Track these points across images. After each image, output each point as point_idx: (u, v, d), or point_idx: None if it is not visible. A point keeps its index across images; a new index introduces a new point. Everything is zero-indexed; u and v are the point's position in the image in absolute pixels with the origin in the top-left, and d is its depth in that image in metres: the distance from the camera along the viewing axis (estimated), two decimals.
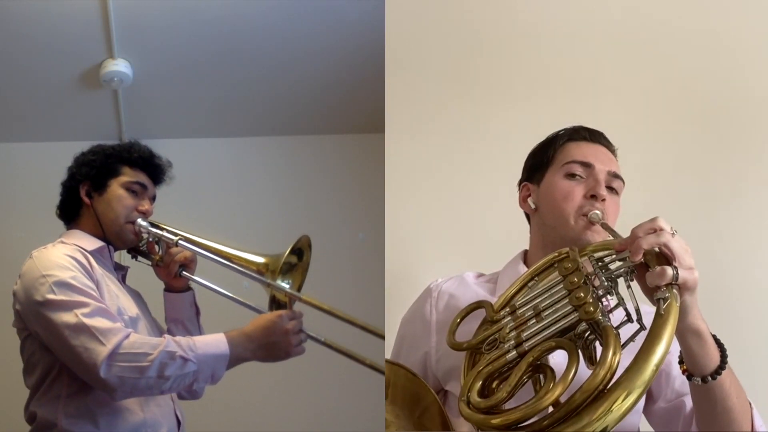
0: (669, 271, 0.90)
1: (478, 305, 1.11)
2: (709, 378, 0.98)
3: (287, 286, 1.40)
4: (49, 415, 1.27)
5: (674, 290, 0.90)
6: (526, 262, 1.32)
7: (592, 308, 0.91)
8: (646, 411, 1.22)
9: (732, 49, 2.06)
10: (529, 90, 2.09)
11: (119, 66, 2.28)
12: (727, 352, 1.00)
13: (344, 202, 2.74)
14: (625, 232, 1.27)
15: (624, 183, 1.29)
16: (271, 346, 1.28)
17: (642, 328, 0.94)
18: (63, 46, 2.20)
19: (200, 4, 2.08)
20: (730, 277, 1.93)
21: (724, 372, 0.98)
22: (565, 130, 1.34)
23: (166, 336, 1.26)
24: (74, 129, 2.59)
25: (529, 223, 1.37)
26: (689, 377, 1.00)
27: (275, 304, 1.39)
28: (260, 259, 1.42)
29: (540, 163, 1.32)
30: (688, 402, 1.14)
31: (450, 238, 2.02)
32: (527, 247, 1.37)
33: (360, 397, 2.43)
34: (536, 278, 1.11)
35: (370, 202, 2.45)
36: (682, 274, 0.91)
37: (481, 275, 1.38)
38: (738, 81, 2.05)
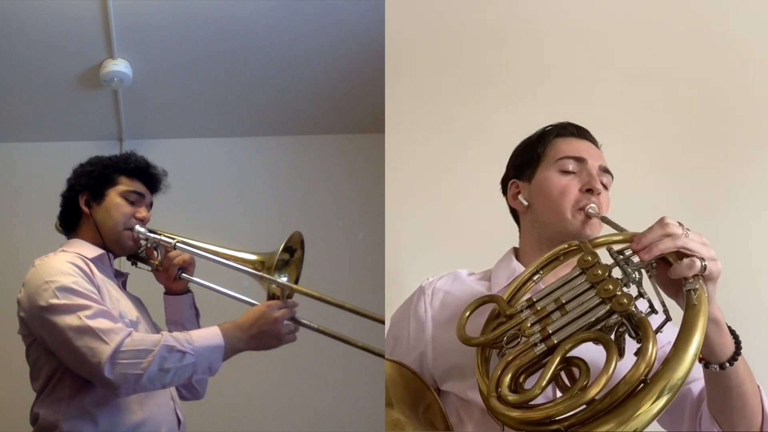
0: (698, 262, 0.93)
1: (490, 299, 1.09)
2: (726, 364, 1.01)
3: (284, 280, 1.46)
4: (50, 417, 1.30)
5: (701, 281, 0.93)
6: (518, 259, 1.32)
7: (625, 300, 0.93)
8: None
9: (729, 51, 2.07)
10: (529, 90, 2.09)
11: (119, 66, 2.28)
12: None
13: (344, 202, 2.74)
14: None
15: (612, 177, 1.30)
16: (262, 335, 1.32)
17: (668, 319, 0.96)
18: (63, 46, 2.21)
19: (200, 4, 2.08)
20: (730, 278, 1.93)
21: (739, 358, 1.01)
22: (552, 126, 1.34)
23: (164, 332, 1.30)
24: (74, 129, 2.59)
25: (516, 220, 1.38)
26: (706, 365, 1.02)
27: (272, 299, 1.42)
28: (254, 257, 1.46)
29: (529, 159, 1.32)
30: (695, 388, 1.15)
31: (450, 238, 2.02)
32: (516, 245, 1.37)
33: (361, 395, 2.44)
34: (541, 272, 1.12)
35: (370, 202, 2.46)
36: (709, 265, 0.94)
37: (472, 273, 1.38)
38: (736, 82, 2.05)
